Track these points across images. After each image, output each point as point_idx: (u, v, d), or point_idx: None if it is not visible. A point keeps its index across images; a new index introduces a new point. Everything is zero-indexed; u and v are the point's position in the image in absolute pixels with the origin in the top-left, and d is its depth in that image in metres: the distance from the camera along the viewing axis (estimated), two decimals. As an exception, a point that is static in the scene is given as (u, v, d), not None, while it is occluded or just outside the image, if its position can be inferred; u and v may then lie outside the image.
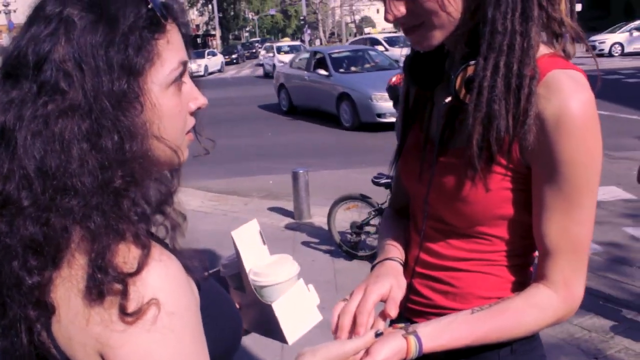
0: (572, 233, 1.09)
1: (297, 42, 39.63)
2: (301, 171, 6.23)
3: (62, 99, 0.74)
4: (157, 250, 0.78)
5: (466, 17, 1.07)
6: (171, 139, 0.85)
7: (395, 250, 1.29)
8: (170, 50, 0.83)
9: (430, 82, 1.24)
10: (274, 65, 26.39)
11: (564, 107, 1.02)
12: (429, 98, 1.27)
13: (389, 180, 4.74)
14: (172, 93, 0.84)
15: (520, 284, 1.19)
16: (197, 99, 0.91)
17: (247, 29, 75.21)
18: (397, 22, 1.11)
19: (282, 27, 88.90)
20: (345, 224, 5.28)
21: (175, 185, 0.90)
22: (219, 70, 37.04)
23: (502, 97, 1.05)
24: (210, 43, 59.91)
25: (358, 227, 5.08)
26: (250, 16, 70.65)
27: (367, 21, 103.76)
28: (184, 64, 0.86)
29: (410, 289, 1.26)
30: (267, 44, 36.56)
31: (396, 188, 1.49)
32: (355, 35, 44.73)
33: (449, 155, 1.17)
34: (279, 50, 29.23)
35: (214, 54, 38.04)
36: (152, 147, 0.82)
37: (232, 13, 63.67)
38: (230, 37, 64.53)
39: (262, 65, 30.29)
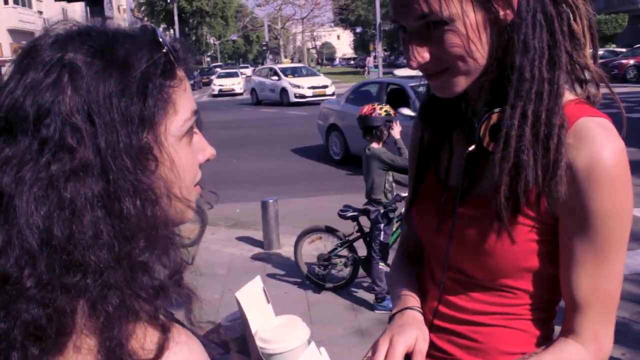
0: (603, 287, 1.04)
1: (299, 64, 37.05)
2: (270, 201, 6.14)
3: (71, 158, 0.63)
4: (175, 329, 0.69)
5: (493, 63, 1.03)
6: (185, 195, 0.75)
7: (413, 300, 1.23)
8: (183, 98, 0.75)
9: (447, 128, 1.19)
10: (283, 89, 25.14)
11: (597, 157, 0.98)
12: (447, 144, 1.21)
13: (355, 214, 4.75)
14: (185, 145, 0.75)
15: (545, 338, 1.14)
16: (205, 149, 0.82)
17: (209, 53, 75.22)
18: (421, 68, 1.05)
19: (244, 52, 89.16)
20: (314, 255, 5.21)
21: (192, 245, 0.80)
22: None
23: (530, 146, 1.01)
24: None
25: (325, 260, 5.01)
26: (212, 41, 70.69)
27: (327, 47, 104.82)
28: (196, 112, 0.77)
29: (429, 343, 1.20)
30: (263, 67, 34.18)
31: (407, 233, 1.43)
32: (317, 62, 45.01)
33: (470, 205, 1.12)
34: (286, 72, 26.70)
35: None
36: (170, 207, 0.72)
37: (193, 38, 63.57)
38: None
39: (253, 90, 27.94)
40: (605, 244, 1.02)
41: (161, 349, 0.66)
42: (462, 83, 1.05)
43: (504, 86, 1.03)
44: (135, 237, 0.66)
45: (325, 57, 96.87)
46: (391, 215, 4.69)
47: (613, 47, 31.68)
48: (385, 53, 39.54)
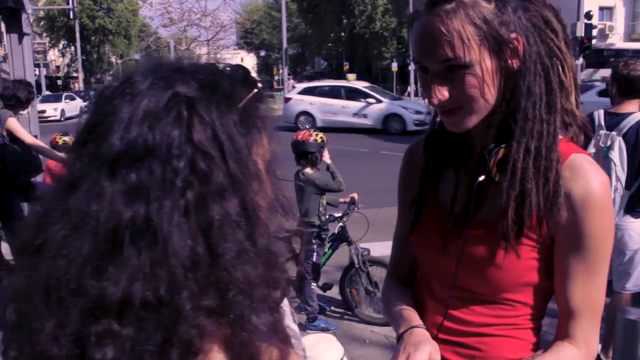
0: (593, 296, 1.21)
1: None
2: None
3: (205, 183, 0.67)
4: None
5: (502, 104, 1.18)
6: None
7: (417, 319, 1.33)
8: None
9: (451, 159, 1.33)
10: None
11: (589, 188, 1.16)
12: (452, 174, 1.34)
13: None
14: None
15: (536, 345, 1.30)
16: None
17: (111, 72, 73.58)
18: (439, 105, 1.19)
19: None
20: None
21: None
22: (79, 115, 34.28)
23: (533, 177, 1.16)
24: (72, 86, 57.97)
25: None
26: (115, 60, 69.22)
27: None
28: None
29: None
30: None
31: (399, 258, 1.53)
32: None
33: (475, 228, 1.25)
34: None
35: (72, 98, 35.45)
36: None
37: (95, 56, 62.08)
38: (93, 80, 62.78)
39: None
40: (596, 259, 1.19)
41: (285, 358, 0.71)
42: (473, 120, 1.19)
43: (508, 125, 1.18)
44: (270, 252, 0.71)
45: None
46: (323, 235, 4.87)
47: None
48: (289, 76, 40.31)
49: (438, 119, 1.32)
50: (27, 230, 0.72)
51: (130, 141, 0.67)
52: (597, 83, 19.34)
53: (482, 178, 1.21)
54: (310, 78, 72.90)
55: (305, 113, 20.95)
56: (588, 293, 1.20)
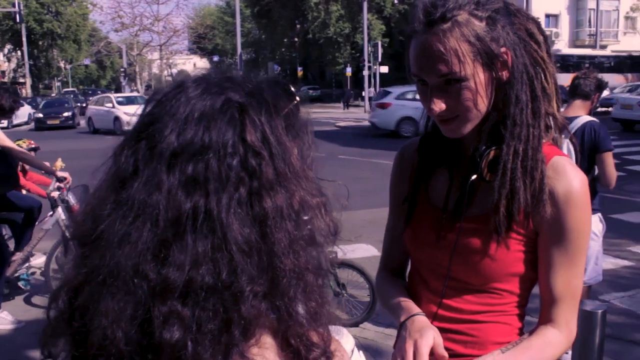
0: (572, 284, 1.33)
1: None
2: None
3: (257, 178, 0.73)
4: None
5: (493, 112, 1.30)
6: None
7: (416, 308, 1.41)
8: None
9: (445, 160, 1.43)
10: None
11: (571, 186, 1.29)
12: (446, 173, 1.43)
13: None
14: None
15: (521, 329, 1.42)
16: None
17: (59, 78, 72.06)
18: (437, 115, 1.30)
19: (97, 78, 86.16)
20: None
21: None
22: (27, 122, 32.95)
23: (521, 176, 1.28)
24: (20, 92, 56.47)
25: None
26: (63, 65, 67.80)
27: (184, 75, 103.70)
28: None
29: None
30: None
31: (391, 252, 1.62)
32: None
33: (468, 223, 1.36)
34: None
35: (20, 105, 33.42)
36: None
37: (43, 61, 60.71)
38: (41, 86, 61.41)
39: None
40: (576, 251, 1.31)
41: (329, 344, 0.78)
42: (468, 127, 1.31)
43: (497, 129, 1.30)
44: (316, 243, 0.78)
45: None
46: None
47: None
48: None
49: (431, 122, 1.44)
50: (82, 221, 0.77)
51: (188, 138, 0.73)
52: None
53: (474, 177, 1.32)
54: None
55: (407, 118, 20.33)
56: (569, 281, 1.33)
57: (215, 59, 64.43)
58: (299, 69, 51.99)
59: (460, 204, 1.37)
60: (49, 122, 30.15)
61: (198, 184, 0.71)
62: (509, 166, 1.28)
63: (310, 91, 51.34)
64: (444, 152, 1.43)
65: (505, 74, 1.27)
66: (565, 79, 32.78)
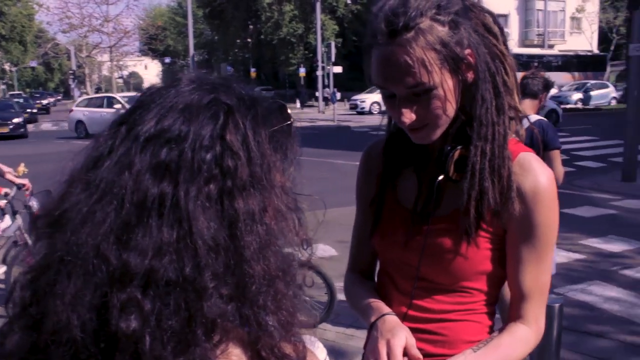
0: (541, 280, 1.34)
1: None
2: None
3: (230, 177, 0.72)
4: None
5: (460, 114, 1.29)
6: None
7: (386, 307, 1.40)
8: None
9: (410, 161, 1.42)
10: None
11: (538, 182, 1.28)
12: (413, 174, 1.43)
13: None
14: None
15: (491, 327, 1.42)
16: None
17: (4, 81, 70.15)
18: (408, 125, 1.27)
19: (44, 81, 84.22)
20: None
21: None
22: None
23: (488, 176, 1.27)
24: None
25: None
26: (8, 67, 66.03)
27: (135, 77, 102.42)
28: None
29: None
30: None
31: (359, 253, 1.60)
32: (123, 91, 43.82)
33: (436, 223, 1.35)
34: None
35: None
36: None
37: (-13, 63, 59.11)
38: (-16, 89, 59.68)
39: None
40: (544, 247, 1.31)
41: (302, 354, 0.76)
42: (438, 133, 1.29)
43: (462, 129, 1.30)
44: (287, 253, 0.77)
45: (133, 87, 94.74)
46: None
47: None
48: None
49: (394, 123, 1.42)
50: (50, 201, 0.75)
51: (166, 125, 0.72)
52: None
53: (441, 178, 1.32)
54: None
55: None
56: (537, 277, 1.33)
57: (167, 60, 63.66)
58: (252, 69, 51.68)
59: (428, 205, 1.36)
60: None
61: (168, 171, 0.70)
62: (477, 167, 1.27)
63: (264, 92, 50.76)
64: (410, 152, 1.41)
65: (470, 75, 1.25)
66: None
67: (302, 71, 41.39)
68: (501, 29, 1.31)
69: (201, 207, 0.69)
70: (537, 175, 1.29)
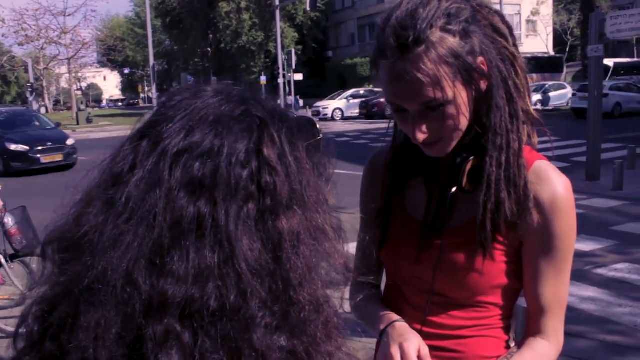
0: (560, 293, 1.30)
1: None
2: None
3: (270, 196, 0.66)
4: None
5: (474, 125, 1.24)
6: None
7: (395, 315, 1.36)
8: None
9: (418, 172, 1.37)
10: None
11: (556, 192, 1.25)
12: (422, 185, 1.37)
13: None
14: None
15: (507, 342, 1.37)
16: None
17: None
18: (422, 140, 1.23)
19: (1, 94, 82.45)
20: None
21: None
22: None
23: (504, 187, 1.23)
24: None
25: None
26: (-38, 82, 64.47)
27: (94, 88, 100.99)
28: None
29: None
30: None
31: (364, 267, 1.51)
32: (86, 104, 43.02)
33: (449, 235, 1.30)
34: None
35: None
36: None
37: (-60, 78, 57.56)
38: (-61, 104, 58.13)
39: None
40: (563, 258, 1.27)
41: None
42: (452, 146, 1.24)
43: (475, 139, 1.25)
44: (333, 275, 0.71)
45: (92, 99, 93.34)
46: None
47: (371, 87, 35.09)
48: (158, 94, 39.51)
49: (403, 133, 1.34)
50: (63, 223, 0.68)
51: (197, 139, 0.66)
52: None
53: (454, 189, 1.27)
54: (178, 94, 71.39)
55: None
56: (557, 290, 1.29)
57: (126, 71, 62.94)
58: (213, 78, 51.10)
59: (440, 217, 1.32)
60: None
61: (203, 188, 0.63)
62: (493, 178, 1.23)
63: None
64: (418, 162, 1.35)
65: (483, 84, 1.21)
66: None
67: (264, 79, 41.22)
68: (510, 29, 1.26)
69: (243, 227, 0.63)
70: (555, 185, 1.26)
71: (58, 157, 16.39)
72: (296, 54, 37.74)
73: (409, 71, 1.14)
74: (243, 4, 46.57)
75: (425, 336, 1.32)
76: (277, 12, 35.51)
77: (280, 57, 36.07)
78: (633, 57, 42.12)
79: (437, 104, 1.16)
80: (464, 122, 1.21)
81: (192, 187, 0.63)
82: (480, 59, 1.18)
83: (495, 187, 1.23)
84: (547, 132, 1.35)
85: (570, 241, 1.28)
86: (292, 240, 0.65)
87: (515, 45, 1.26)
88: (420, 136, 1.21)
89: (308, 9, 32.64)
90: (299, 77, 35.57)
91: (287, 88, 36.26)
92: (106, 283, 0.60)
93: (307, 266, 0.66)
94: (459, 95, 1.17)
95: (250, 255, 0.62)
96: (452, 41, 1.14)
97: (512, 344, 1.38)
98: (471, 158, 1.25)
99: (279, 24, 36.26)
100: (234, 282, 0.61)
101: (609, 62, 28.65)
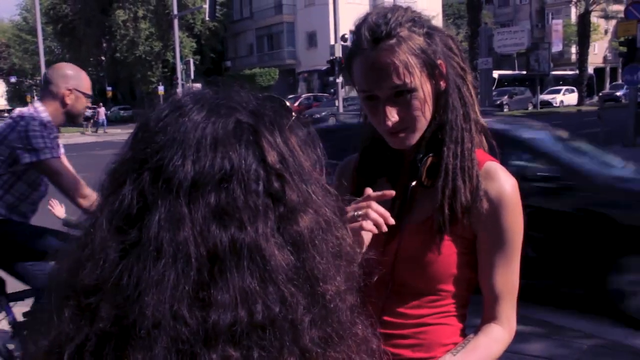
0: (510, 281, 1.40)
1: None
2: None
3: (283, 202, 0.67)
4: None
5: (433, 121, 1.38)
6: None
7: None
8: None
9: (384, 171, 1.48)
10: None
11: (503, 190, 1.37)
12: (388, 184, 1.44)
13: None
14: None
15: (463, 330, 1.46)
16: None
17: None
18: (391, 127, 1.33)
19: None
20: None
21: None
22: None
23: (460, 175, 1.36)
24: None
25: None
26: None
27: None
28: None
29: None
30: None
31: None
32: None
33: (409, 230, 1.40)
34: None
35: None
36: None
37: None
38: None
39: None
40: (512, 249, 1.38)
41: None
42: (416, 137, 1.37)
43: (434, 138, 1.38)
44: (349, 261, 0.73)
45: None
46: None
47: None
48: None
49: (368, 136, 1.49)
50: (76, 270, 0.67)
51: (206, 166, 0.66)
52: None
53: (414, 183, 1.39)
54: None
55: None
56: (507, 279, 1.40)
57: (13, 79, 60.11)
58: (108, 88, 50.08)
59: (402, 211, 1.41)
60: None
61: (228, 215, 0.65)
62: (450, 167, 1.36)
63: (122, 112, 49.69)
64: (384, 162, 1.47)
65: (442, 84, 1.36)
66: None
67: (161, 89, 40.73)
68: (461, 51, 1.44)
69: (272, 241, 0.65)
70: (503, 183, 1.38)
71: None
72: (194, 63, 37.55)
73: (382, 58, 1.29)
74: (140, 13, 45.78)
75: (386, 325, 1.39)
76: (176, 22, 35.20)
77: (179, 67, 35.78)
78: (514, 69, 44.86)
79: (406, 88, 1.30)
80: (427, 113, 1.34)
81: (220, 217, 0.64)
82: (440, 60, 1.34)
83: (452, 175, 1.36)
84: (494, 142, 1.49)
85: (517, 234, 1.39)
86: (312, 239, 0.68)
87: (465, 63, 1.44)
88: (389, 121, 1.32)
89: (207, 18, 32.62)
90: (197, 86, 35.15)
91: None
92: (152, 323, 0.61)
93: (327, 259, 0.69)
94: (424, 86, 1.32)
95: (284, 265, 0.65)
96: (419, 39, 1.31)
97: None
98: (430, 155, 1.38)
99: (177, 33, 35.97)
100: (275, 295, 0.64)
101: (495, 74, 30.39)
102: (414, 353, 1.42)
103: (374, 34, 1.30)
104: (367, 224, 1.23)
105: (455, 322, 1.45)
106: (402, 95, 1.31)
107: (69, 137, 30.92)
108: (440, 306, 1.42)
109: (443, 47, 1.36)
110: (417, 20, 1.33)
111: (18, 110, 3.39)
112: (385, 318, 1.42)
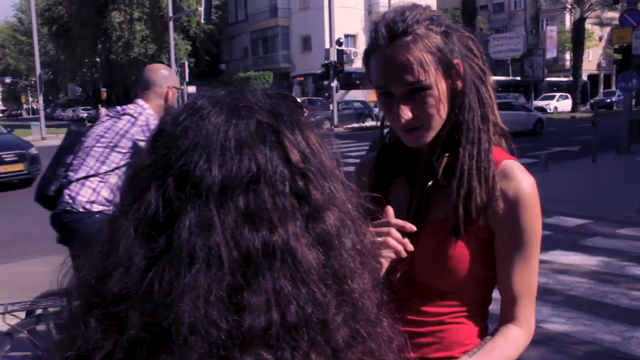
0: (529, 281, 1.38)
1: None
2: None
3: (308, 201, 0.68)
4: None
5: (449, 120, 1.37)
6: None
7: None
8: None
9: (401, 171, 1.48)
10: None
11: (520, 189, 1.35)
12: (405, 183, 1.47)
13: None
14: None
15: (484, 330, 1.45)
16: None
17: None
18: (404, 124, 1.33)
19: None
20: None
21: None
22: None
23: (476, 176, 1.34)
24: None
25: None
26: None
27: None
28: None
29: None
30: None
31: None
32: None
33: (428, 228, 1.40)
34: None
35: None
36: None
37: None
38: None
39: None
40: (530, 249, 1.36)
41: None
42: (431, 135, 1.36)
43: (450, 138, 1.37)
44: (372, 256, 0.73)
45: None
46: None
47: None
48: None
49: (387, 136, 1.53)
50: (102, 278, 0.66)
51: (233, 169, 0.65)
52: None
53: (430, 183, 1.39)
54: (64, 106, 68.50)
55: None
56: (525, 279, 1.39)
57: (8, 80, 59.98)
58: (103, 90, 50.00)
59: (420, 210, 1.42)
60: None
61: (258, 217, 0.65)
62: (465, 167, 1.35)
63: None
64: (401, 162, 1.47)
65: (459, 83, 1.35)
66: (366, 95, 34.75)
67: (156, 91, 40.67)
68: (481, 52, 1.43)
69: (303, 241, 0.66)
70: (520, 182, 1.36)
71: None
72: (189, 66, 37.52)
73: (398, 55, 1.29)
74: (136, 15, 45.76)
75: (406, 323, 1.35)
76: (171, 24, 35.19)
77: (174, 70, 35.77)
78: (509, 75, 45.03)
79: (420, 86, 1.30)
80: (442, 111, 1.34)
81: (249, 219, 0.64)
82: (457, 60, 1.34)
83: (468, 176, 1.34)
84: (514, 146, 1.48)
85: (535, 233, 1.37)
86: (338, 236, 0.68)
87: (485, 64, 1.43)
88: (403, 118, 1.32)
89: (202, 21, 32.59)
90: (192, 89, 35.36)
91: (181, 100, 35.83)
92: (188, 329, 0.61)
93: (353, 257, 0.69)
94: (440, 84, 1.32)
95: (315, 265, 0.65)
96: (436, 37, 1.31)
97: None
98: (446, 155, 1.37)
99: (172, 35, 35.96)
100: (308, 295, 0.64)
101: (489, 80, 30.31)
102: (433, 352, 1.42)
103: (391, 31, 1.31)
104: (387, 252, 1.24)
105: (475, 322, 1.44)
106: (417, 93, 1.31)
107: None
108: (460, 306, 1.42)
109: (461, 47, 1.36)
110: (435, 19, 1.33)
111: (120, 108, 3.79)
112: (406, 316, 1.41)
